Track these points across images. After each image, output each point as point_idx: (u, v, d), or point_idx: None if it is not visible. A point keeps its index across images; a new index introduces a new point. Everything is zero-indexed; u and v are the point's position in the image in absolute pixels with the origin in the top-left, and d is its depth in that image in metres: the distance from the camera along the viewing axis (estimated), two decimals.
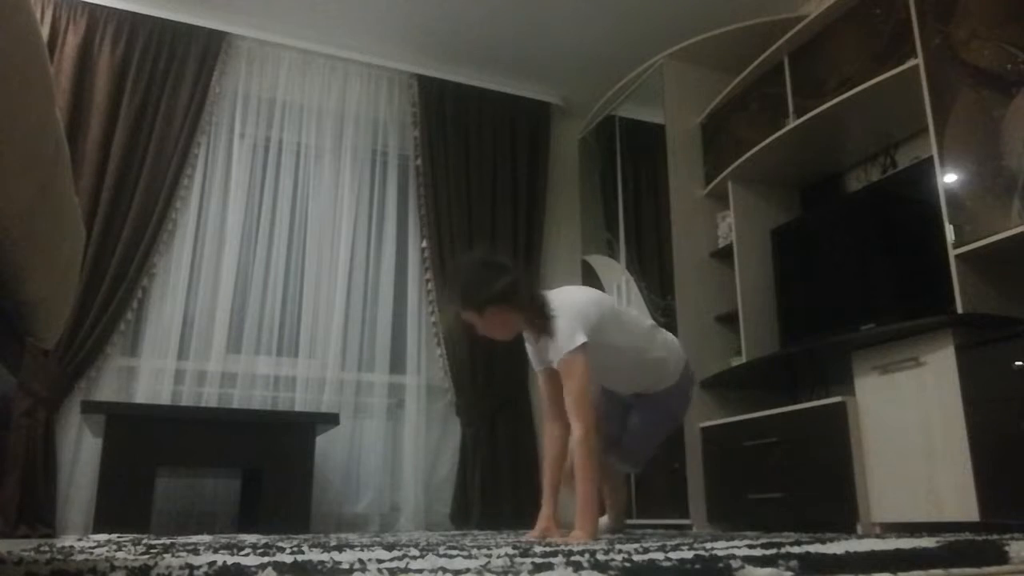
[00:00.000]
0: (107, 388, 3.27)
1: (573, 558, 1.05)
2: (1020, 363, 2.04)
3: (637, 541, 1.82)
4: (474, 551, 1.32)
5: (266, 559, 1.12)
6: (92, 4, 3.50)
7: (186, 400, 3.34)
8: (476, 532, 3.06)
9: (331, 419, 3.15)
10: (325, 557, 1.15)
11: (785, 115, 3.15)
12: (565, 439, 2.12)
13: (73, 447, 3.17)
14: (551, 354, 2.08)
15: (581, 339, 2.00)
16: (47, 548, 1.53)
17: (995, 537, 1.59)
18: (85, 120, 3.38)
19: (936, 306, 2.40)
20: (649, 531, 2.92)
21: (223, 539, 2.13)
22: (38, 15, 3.34)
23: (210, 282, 3.53)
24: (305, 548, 1.50)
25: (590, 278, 4.15)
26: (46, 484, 3.01)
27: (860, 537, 1.96)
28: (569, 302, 2.10)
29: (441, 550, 1.39)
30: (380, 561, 1.05)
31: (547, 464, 2.16)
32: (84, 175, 3.29)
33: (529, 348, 2.22)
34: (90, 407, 2.84)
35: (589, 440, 1.95)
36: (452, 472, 3.68)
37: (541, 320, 2.05)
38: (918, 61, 2.55)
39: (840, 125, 3.01)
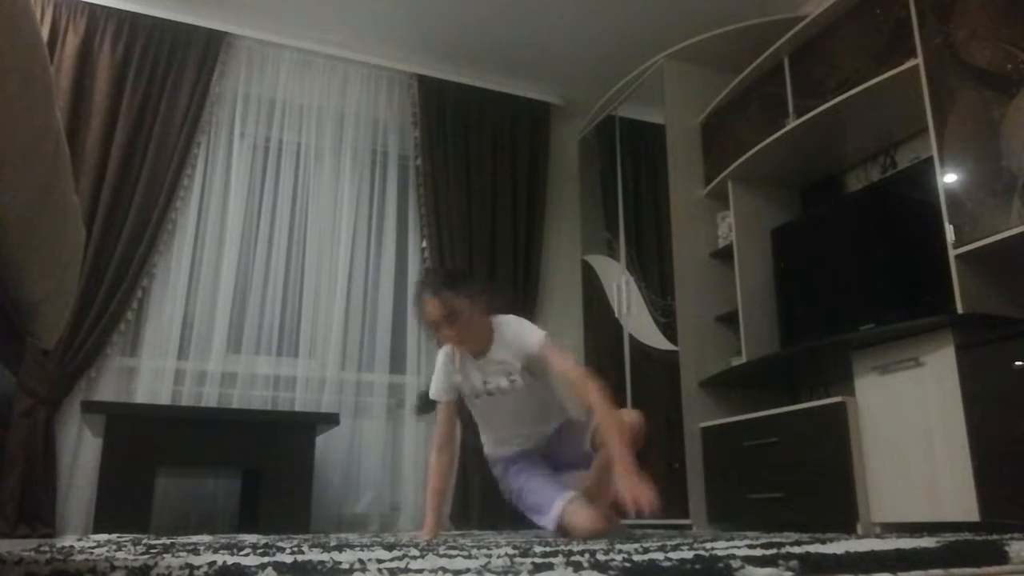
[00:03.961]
0: (107, 388, 3.27)
1: (573, 558, 1.05)
2: (1020, 363, 2.04)
3: (637, 541, 1.82)
4: (474, 551, 1.32)
5: (266, 559, 1.11)
6: (92, 4, 3.50)
7: (186, 400, 3.34)
8: (476, 532, 3.06)
9: (331, 419, 3.15)
10: (325, 557, 1.15)
11: (785, 115, 3.15)
12: (449, 471, 2.31)
13: (73, 447, 3.18)
14: (506, 353, 2.20)
15: (544, 332, 2.19)
16: (47, 548, 1.52)
17: (995, 537, 1.59)
18: (85, 120, 3.38)
19: (936, 306, 2.40)
20: (649, 531, 2.92)
21: (223, 539, 2.13)
22: (38, 15, 3.34)
23: (210, 282, 3.53)
24: (305, 548, 1.50)
25: (590, 278, 4.15)
26: (46, 484, 3.01)
27: (860, 537, 1.96)
28: (514, 318, 2.28)
29: (441, 550, 1.39)
30: (380, 561, 1.05)
31: (431, 491, 2.25)
32: (84, 175, 3.29)
33: (444, 374, 2.27)
34: (90, 407, 2.84)
35: (605, 395, 2.06)
36: (452, 472, 3.69)
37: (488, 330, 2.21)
38: (918, 61, 2.55)
39: (840, 125, 3.01)
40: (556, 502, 2.17)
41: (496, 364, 2.20)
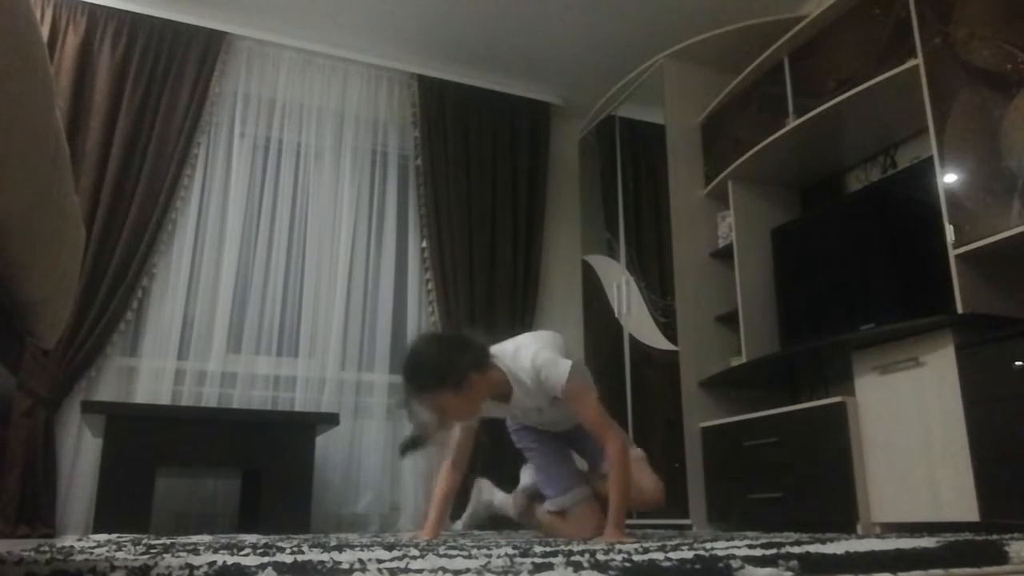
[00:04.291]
0: (107, 388, 3.27)
1: (573, 558, 1.05)
2: (1020, 363, 2.04)
3: (637, 541, 1.82)
4: (474, 551, 1.32)
5: (266, 559, 1.12)
6: (92, 4, 3.51)
7: (186, 400, 3.35)
8: (476, 532, 3.06)
9: (331, 419, 3.15)
10: (325, 557, 1.15)
11: (785, 115, 3.15)
12: (459, 484, 2.26)
13: (73, 447, 3.18)
14: (531, 400, 2.11)
15: (568, 362, 2.05)
16: (47, 548, 1.52)
17: (995, 537, 1.59)
18: (85, 120, 3.38)
19: (936, 306, 2.40)
20: (649, 531, 2.92)
21: (223, 539, 2.13)
22: (38, 15, 3.34)
23: (210, 282, 3.53)
24: (305, 548, 1.50)
25: (590, 278, 4.15)
26: (46, 484, 3.01)
27: (860, 537, 1.96)
28: (532, 340, 2.16)
29: (441, 550, 1.39)
30: (380, 561, 1.05)
31: (437, 498, 2.23)
32: (84, 175, 3.29)
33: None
34: (90, 407, 2.84)
35: (626, 452, 2.01)
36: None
37: (501, 376, 2.07)
38: (918, 61, 2.55)
39: (840, 125, 3.01)
40: (568, 494, 2.26)
41: (518, 403, 2.14)
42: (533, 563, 0.97)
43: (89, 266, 3.21)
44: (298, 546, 1.61)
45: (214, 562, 1.03)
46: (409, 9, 3.74)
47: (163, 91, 3.55)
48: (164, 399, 3.31)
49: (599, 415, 2.02)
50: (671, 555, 1.13)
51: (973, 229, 2.30)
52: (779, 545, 1.40)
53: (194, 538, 2.21)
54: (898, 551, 1.08)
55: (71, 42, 3.43)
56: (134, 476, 2.77)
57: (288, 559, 1.11)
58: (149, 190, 3.42)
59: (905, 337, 2.44)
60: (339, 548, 1.51)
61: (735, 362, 3.29)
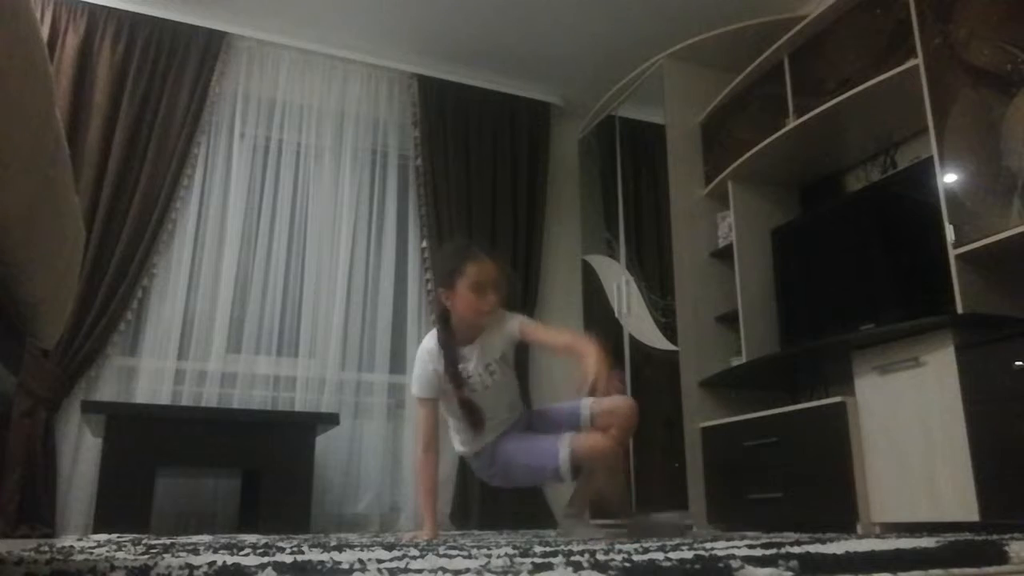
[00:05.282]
0: (107, 388, 3.27)
1: (573, 558, 1.05)
2: (1020, 363, 2.04)
3: (637, 541, 1.82)
4: (474, 551, 1.32)
5: (266, 559, 1.12)
6: (92, 4, 3.50)
7: (186, 400, 3.34)
8: (476, 532, 3.06)
9: (331, 419, 3.15)
10: (325, 557, 1.15)
11: (785, 115, 3.15)
12: (437, 467, 2.32)
13: (73, 447, 3.17)
14: (489, 349, 2.28)
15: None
16: (47, 548, 1.53)
17: (995, 537, 1.59)
18: (85, 120, 3.38)
19: (936, 306, 2.40)
20: None
21: (223, 539, 2.13)
22: (38, 15, 3.34)
23: (210, 282, 3.52)
24: (305, 548, 1.51)
25: (590, 278, 4.15)
26: (46, 484, 3.00)
27: (860, 537, 1.96)
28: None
29: (441, 550, 1.39)
30: (380, 561, 1.05)
31: (426, 491, 2.28)
32: (84, 175, 3.29)
33: (430, 367, 2.28)
34: (90, 407, 2.84)
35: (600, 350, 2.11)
36: (452, 472, 3.68)
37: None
38: (918, 61, 2.55)
39: (840, 125, 3.01)
40: (561, 441, 2.19)
41: (480, 350, 2.25)
42: (533, 563, 0.97)
43: (89, 266, 3.21)
44: (298, 546, 1.61)
45: (214, 562, 1.03)
46: (409, 9, 3.74)
47: (163, 91, 3.55)
48: (164, 399, 3.30)
49: (560, 331, 2.35)
50: (671, 555, 1.13)
51: (973, 229, 2.30)
52: (779, 545, 1.40)
53: (194, 538, 2.21)
54: (898, 551, 1.08)
55: (71, 42, 3.43)
56: (134, 476, 2.77)
57: (288, 559, 1.11)
58: (149, 190, 3.42)
59: (905, 337, 2.44)
60: (339, 548, 1.51)
61: (735, 362, 3.29)
